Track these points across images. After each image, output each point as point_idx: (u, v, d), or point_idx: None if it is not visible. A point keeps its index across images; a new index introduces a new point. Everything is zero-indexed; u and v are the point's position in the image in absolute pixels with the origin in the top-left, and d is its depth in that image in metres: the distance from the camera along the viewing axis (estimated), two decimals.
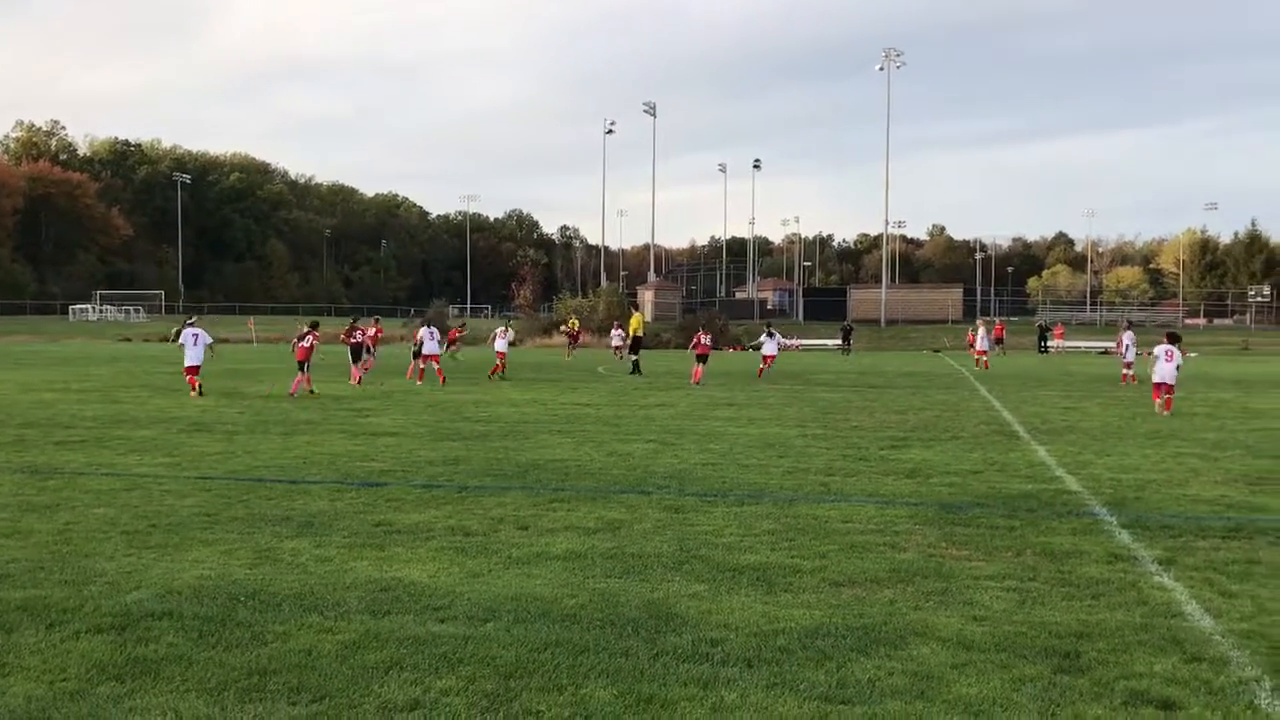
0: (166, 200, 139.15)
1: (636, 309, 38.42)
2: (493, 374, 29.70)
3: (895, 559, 7.39)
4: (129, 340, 72.31)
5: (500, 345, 31.66)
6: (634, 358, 33.90)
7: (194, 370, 22.18)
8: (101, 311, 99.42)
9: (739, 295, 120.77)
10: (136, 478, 10.70)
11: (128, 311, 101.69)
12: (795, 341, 72.16)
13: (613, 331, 44.88)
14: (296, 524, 8.42)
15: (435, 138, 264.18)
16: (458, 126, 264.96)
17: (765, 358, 34.32)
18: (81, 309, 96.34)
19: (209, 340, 22.94)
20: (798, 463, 12.17)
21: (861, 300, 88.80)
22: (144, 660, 5.23)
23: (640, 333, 34.32)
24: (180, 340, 23.20)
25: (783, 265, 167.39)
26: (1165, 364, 20.17)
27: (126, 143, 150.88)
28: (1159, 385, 20.18)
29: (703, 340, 32.71)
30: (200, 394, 21.40)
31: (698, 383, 28.35)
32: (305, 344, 22.98)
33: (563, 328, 34.82)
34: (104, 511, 8.89)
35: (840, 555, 7.49)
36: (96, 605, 6.11)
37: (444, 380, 26.21)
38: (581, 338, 38.58)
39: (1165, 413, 19.50)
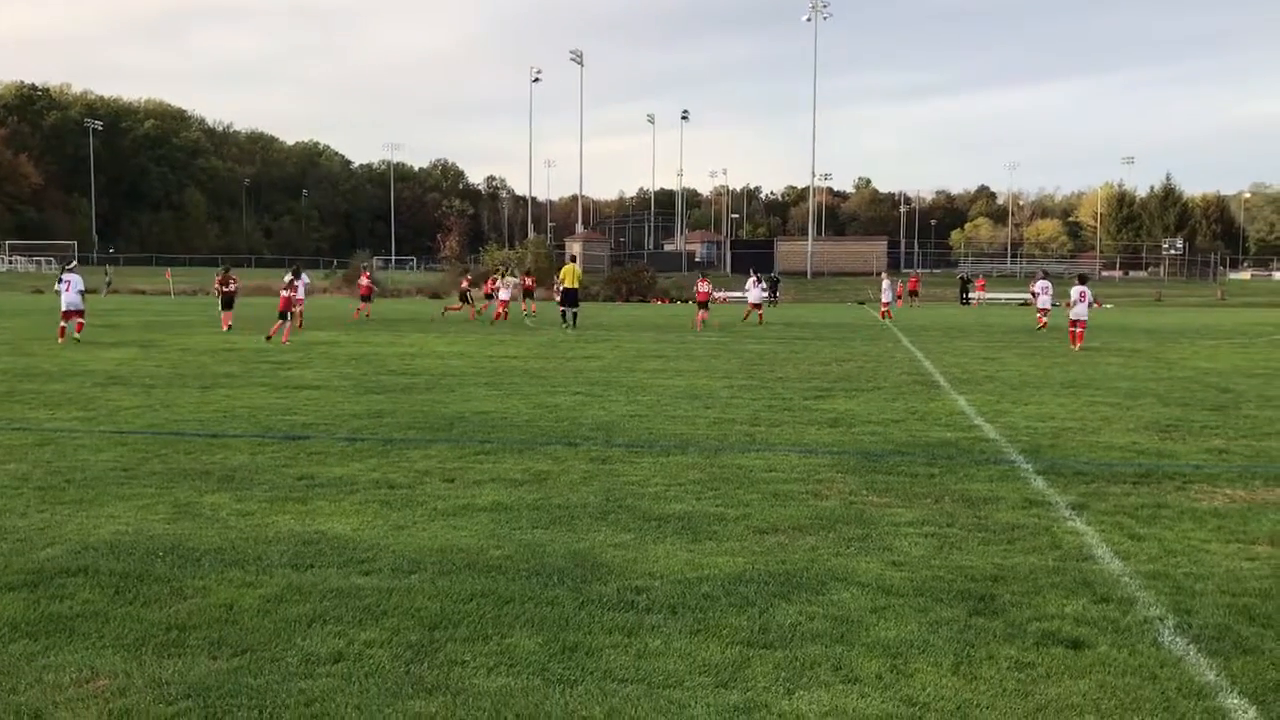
0: (78, 148, 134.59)
1: (573, 260, 37.95)
2: (496, 320, 32.48)
3: (818, 507, 7.50)
4: (41, 292, 70.10)
5: (504, 295, 33.54)
6: (569, 309, 33.44)
7: (69, 315, 23.31)
8: (11, 263, 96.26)
9: (668, 247, 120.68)
10: (49, 433, 10.43)
11: (39, 263, 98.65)
12: (723, 294, 72.45)
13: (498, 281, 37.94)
14: (216, 478, 8.29)
15: (357, 85, 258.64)
16: (380, 74, 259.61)
17: (754, 306, 34.85)
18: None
19: (82, 287, 24.02)
20: (724, 413, 12.26)
21: (788, 252, 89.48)
22: (58, 617, 5.13)
23: (574, 285, 33.76)
24: (58, 287, 24.39)
25: (711, 217, 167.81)
26: (1080, 304, 23.83)
27: (34, 87, 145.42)
28: (1074, 322, 23.79)
29: (701, 288, 33.88)
30: (74, 340, 22.38)
31: (699, 329, 31.06)
32: (286, 294, 24.33)
33: (513, 279, 34.49)
34: (15, 467, 8.66)
35: (764, 503, 7.58)
36: (8, 563, 5.96)
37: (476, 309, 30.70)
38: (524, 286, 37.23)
39: (1076, 345, 22.90)
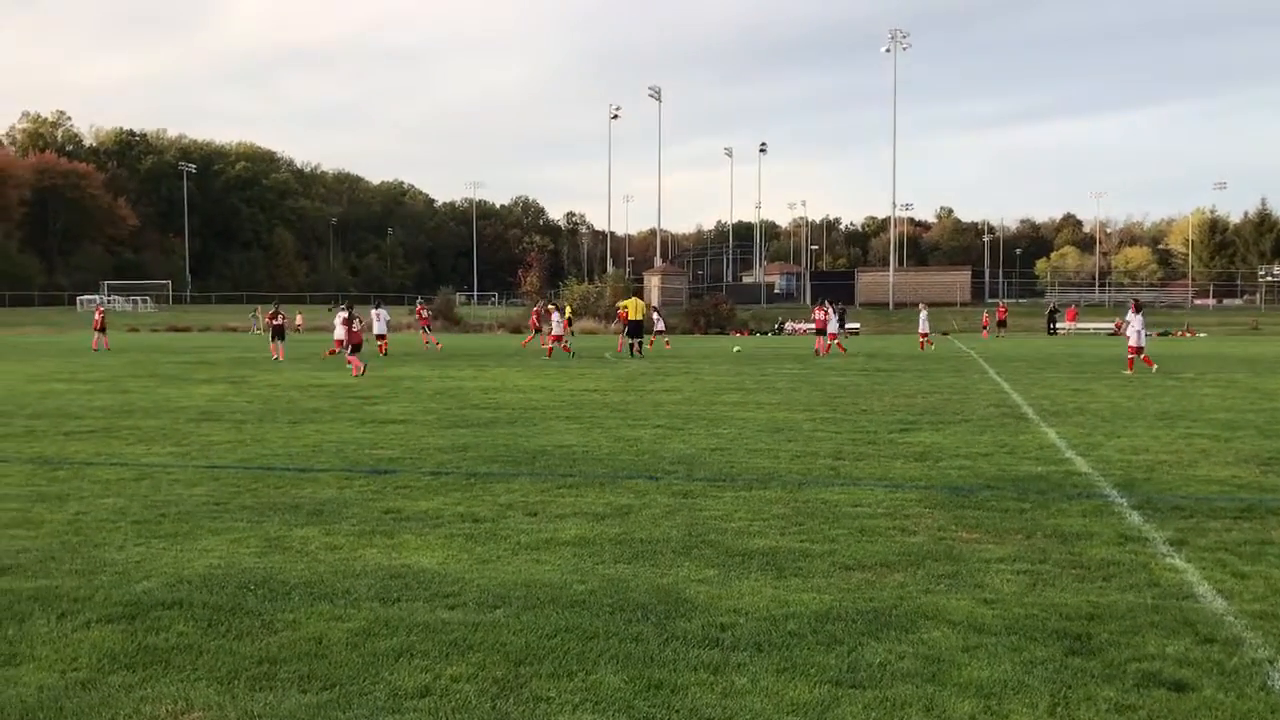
0: (172, 190, 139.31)
1: (638, 293, 38.63)
2: (551, 352, 33.13)
3: (905, 542, 7.37)
4: (137, 330, 72.48)
5: (556, 329, 34.11)
6: (630, 340, 34.41)
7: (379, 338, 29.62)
8: (109, 302, 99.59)
9: (746, 280, 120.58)
10: (145, 467, 10.73)
11: (135, 302, 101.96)
12: (802, 325, 72.08)
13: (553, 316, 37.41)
14: (305, 512, 8.44)
15: (440, 125, 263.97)
16: (463, 113, 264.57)
17: (831, 335, 35.34)
18: (89, 300, 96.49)
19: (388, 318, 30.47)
20: (806, 447, 12.16)
21: (870, 283, 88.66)
22: (154, 649, 5.24)
23: (639, 316, 34.67)
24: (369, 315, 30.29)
25: (789, 249, 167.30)
26: (1134, 328, 25.04)
27: (132, 133, 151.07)
28: (1133, 349, 24.90)
29: (818, 315, 34.63)
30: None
31: (823, 354, 33.44)
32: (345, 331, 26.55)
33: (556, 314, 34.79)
34: (113, 501, 8.91)
35: (850, 539, 7.48)
36: (107, 595, 6.13)
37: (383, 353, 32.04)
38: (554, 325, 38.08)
39: (1129, 371, 23.99)
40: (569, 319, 59.38)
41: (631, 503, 8.81)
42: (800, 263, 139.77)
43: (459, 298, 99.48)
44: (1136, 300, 27.43)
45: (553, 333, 33.91)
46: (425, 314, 43.79)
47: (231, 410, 16.40)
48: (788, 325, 72.79)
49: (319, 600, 6.02)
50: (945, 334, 61.68)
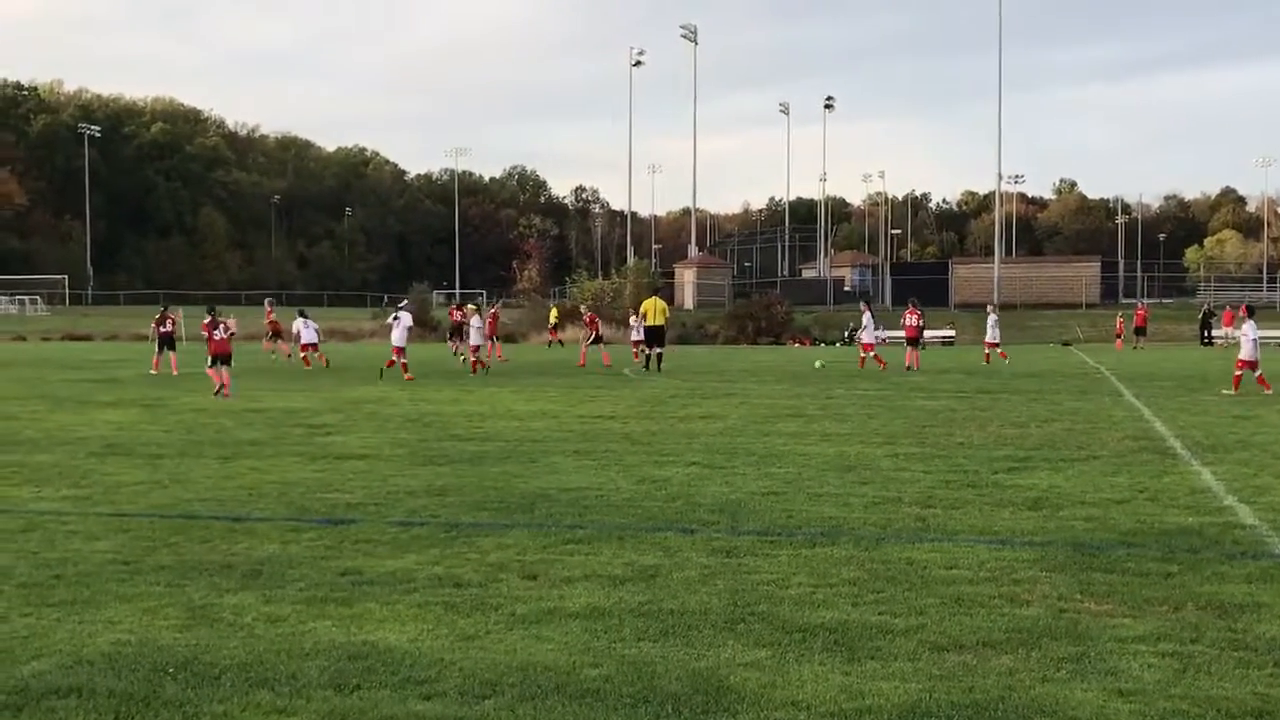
0: (70, 159, 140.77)
1: (657, 292, 39.31)
2: (476, 367, 33.47)
3: (1015, 615, 7.34)
4: (24, 339, 73.13)
5: (474, 338, 34.50)
6: (652, 351, 35.34)
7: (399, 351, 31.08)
8: None
9: (807, 273, 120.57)
10: (34, 516, 10.82)
11: (22, 303, 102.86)
12: (883, 333, 72.06)
13: (632, 320, 42.64)
14: (240, 573, 8.48)
15: (413, 75, 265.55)
16: (442, 59, 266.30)
17: (864, 346, 35.61)
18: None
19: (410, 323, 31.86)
20: (886, 490, 12.14)
21: (968, 278, 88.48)
22: None
23: (659, 322, 35.13)
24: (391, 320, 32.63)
25: (864, 234, 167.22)
26: (1249, 338, 25.45)
27: (19, 86, 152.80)
28: (1244, 363, 25.19)
29: (908, 320, 35.32)
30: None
31: (914, 368, 34.59)
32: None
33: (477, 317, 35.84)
34: None
35: (943, 611, 7.45)
36: None
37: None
38: (595, 329, 40.35)
39: (1232, 391, 24.62)
40: (554, 325, 62.20)
41: (659, 563, 8.81)
42: (878, 252, 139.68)
43: (436, 297, 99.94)
44: (1249, 305, 28.46)
45: (472, 342, 34.38)
46: (499, 314, 44.06)
47: (145, 442, 16.51)
48: (862, 332, 72.83)
49: (257, 688, 6.04)
50: (1067, 344, 61.48)
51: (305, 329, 37.48)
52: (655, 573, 8.50)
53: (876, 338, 69.74)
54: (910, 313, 38.69)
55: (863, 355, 36.62)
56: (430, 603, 7.69)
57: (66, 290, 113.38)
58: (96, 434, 17.52)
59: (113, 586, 8.13)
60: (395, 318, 32.44)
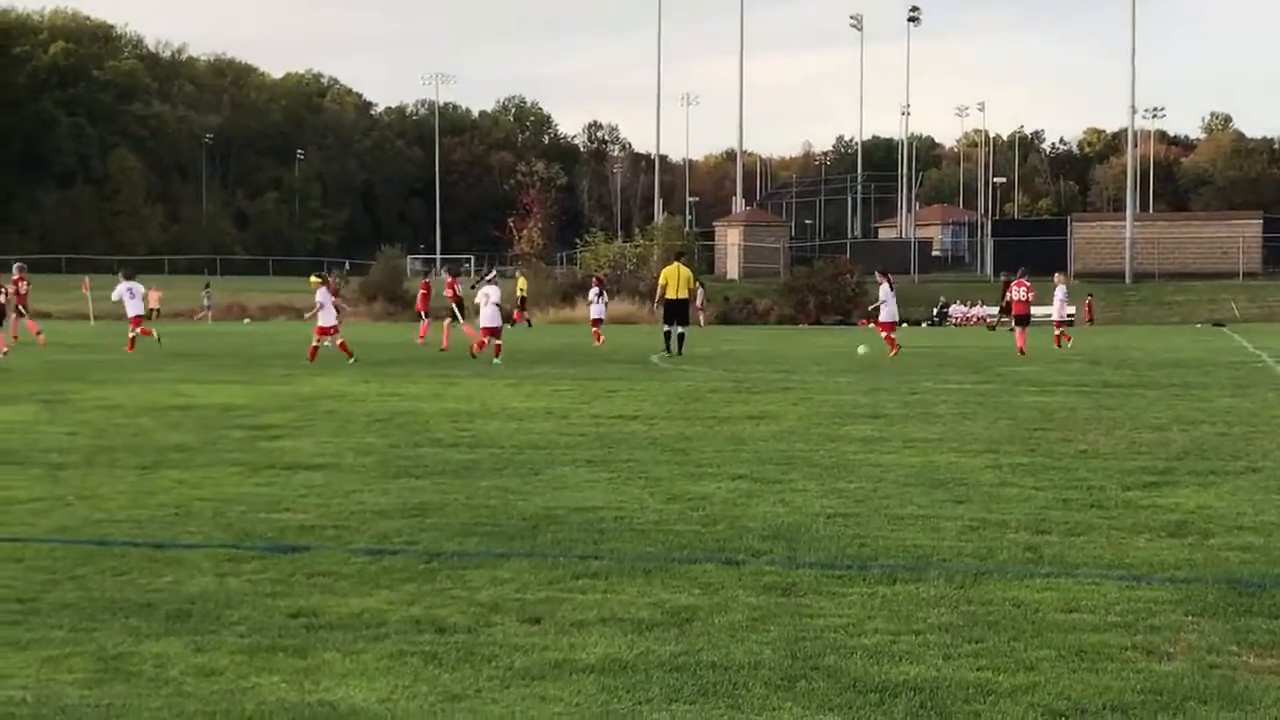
0: None
1: (680, 256, 40.36)
2: (477, 351, 34.72)
3: (1153, 672, 7.31)
4: None
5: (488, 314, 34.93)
6: (668, 329, 36.53)
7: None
8: None
9: (884, 233, 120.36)
10: None
11: None
12: (979, 310, 71.96)
13: (591, 292, 47.97)
14: (164, 614, 8.50)
15: None
16: None
17: (881, 325, 36.66)
18: None
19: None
20: (987, 511, 12.10)
21: (1092, 240, 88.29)
22: None
23: (683, 294, 35.91)
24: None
25: (958, 183, 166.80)
26: None
27: None
28: None
29: (1016, 294, 36.25)
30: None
31: (1025, 351, 36.44)
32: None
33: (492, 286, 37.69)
34: None
35: (1060, 666, 7.42)
36: None
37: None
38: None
39: None
40: (522, 297, 64.37)
41: (696, 603, 8.79)
42: (975, 206, 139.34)
43: (411, 264, 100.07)
44: None
45: (319, 324, 34.28)
46: (459, 287, 45.08)
47: (43, 447, 16.55)
48: (953, 309, 72.76)
49: None
50: (1219, 324, 61.22)
51: (130, 298, 38.63)
52: (691, 616, 8.48)
53: (967, 314, 69.81)
54: (1019, 284, 39.61)
55: (888, 336, 37.73)
56: (406, 653, 7.68)
57: None
58: None
59: (3, 630, 8.13)
60: (484, 293, 34.53)
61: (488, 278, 36.91)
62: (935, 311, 72.26)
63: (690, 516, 11.88)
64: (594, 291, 49.93)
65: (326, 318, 33.92)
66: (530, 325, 65.06)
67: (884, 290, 38.62)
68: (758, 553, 10.32)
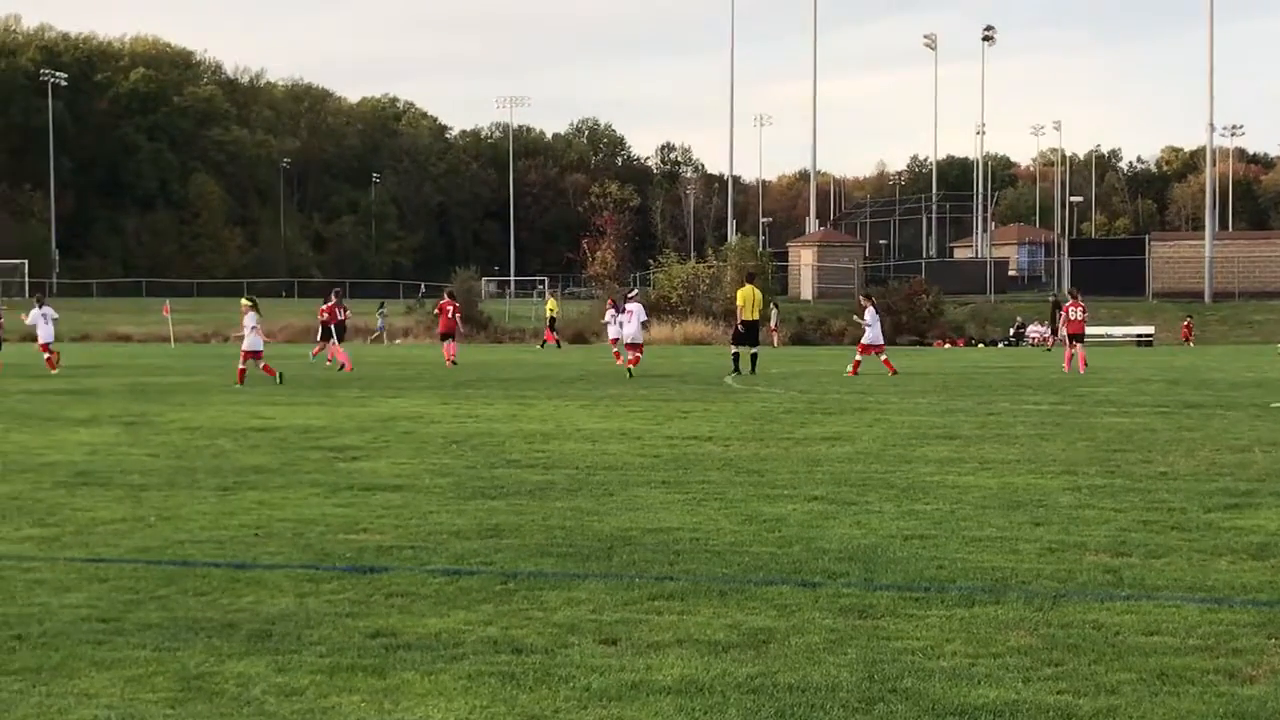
0: (31, 115, 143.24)
1: (753, 278, 40.98)
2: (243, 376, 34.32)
3: (1235, 696, 7.24)
4: None
5: (621, 331, 38.61)
6: (738, 350, 37.04)
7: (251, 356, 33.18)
8: None
9: (960, 253, 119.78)
10: None
11: None
12: (1040, 330, 71.35)
13: (609, 313, 49.66)
14: (245, 634, 8.56)
15: (455, 5, 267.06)
16: None
17: (865, 349, 37.42)
18: None
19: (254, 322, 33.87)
20: (1066, 533, 12.01)
21: (1169, 259, 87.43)
22: None
23: (753, 316, 36.55)
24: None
25: (1034, 202, 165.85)
26: None
27: None
28: None
29: (1071, 313, 37.00)
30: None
31: (1083, 364, 37.29)
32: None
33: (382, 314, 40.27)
34: None
35: (1141, 689, 7.36)
36: None
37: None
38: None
39: None
40: (551, 317, 66.59)
41: (772, 625, 8.78)
42: (1052, 225, 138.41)
43: (486, 285, 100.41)
44: None
45: (245, 347, 34.41)
46: (452, 311, 47.11)
47: (125, 469, 16.74)
48: (1030, 329, 72.15)
49: None
50: None
51: (42, 323, 40.24)
52: (768, 638, 8.47)
53: (1044, 335, 69.46)
54: (1074, 305, 40.44)
55: (858, 359, 38.17)
56: (483, 673, 7.71)
57: (26, 279, 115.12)
58: (66, 459, 17.76)
59: (88, 650, 8.22)
60: (625, 309, 36.61)
61: (631, 294, 39.05)
62: (1012, 331, 71.71)
63: (766, 538, 11.87)
64: (610, 313, 50.33)
65: (252, 342, 34.25)
66: (560, 346, 65.63)
67: (869, 314, 39.14)
68: (834, 574, 10.30)
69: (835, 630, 8.64)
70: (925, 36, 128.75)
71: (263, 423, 22.67)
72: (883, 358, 38.17)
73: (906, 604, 9.36)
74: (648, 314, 39.41)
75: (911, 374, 38.67)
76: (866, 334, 38.79)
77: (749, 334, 37.25)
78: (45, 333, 40.07)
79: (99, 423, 22.92)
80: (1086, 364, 38.05)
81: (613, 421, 22.90)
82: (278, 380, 32.77)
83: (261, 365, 33.70)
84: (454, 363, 43.52)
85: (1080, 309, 40.20)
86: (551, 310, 70.55)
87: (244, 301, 36.26)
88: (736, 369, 36.19)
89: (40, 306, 41.00)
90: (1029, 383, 33.71)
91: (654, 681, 7.54)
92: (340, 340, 42.68)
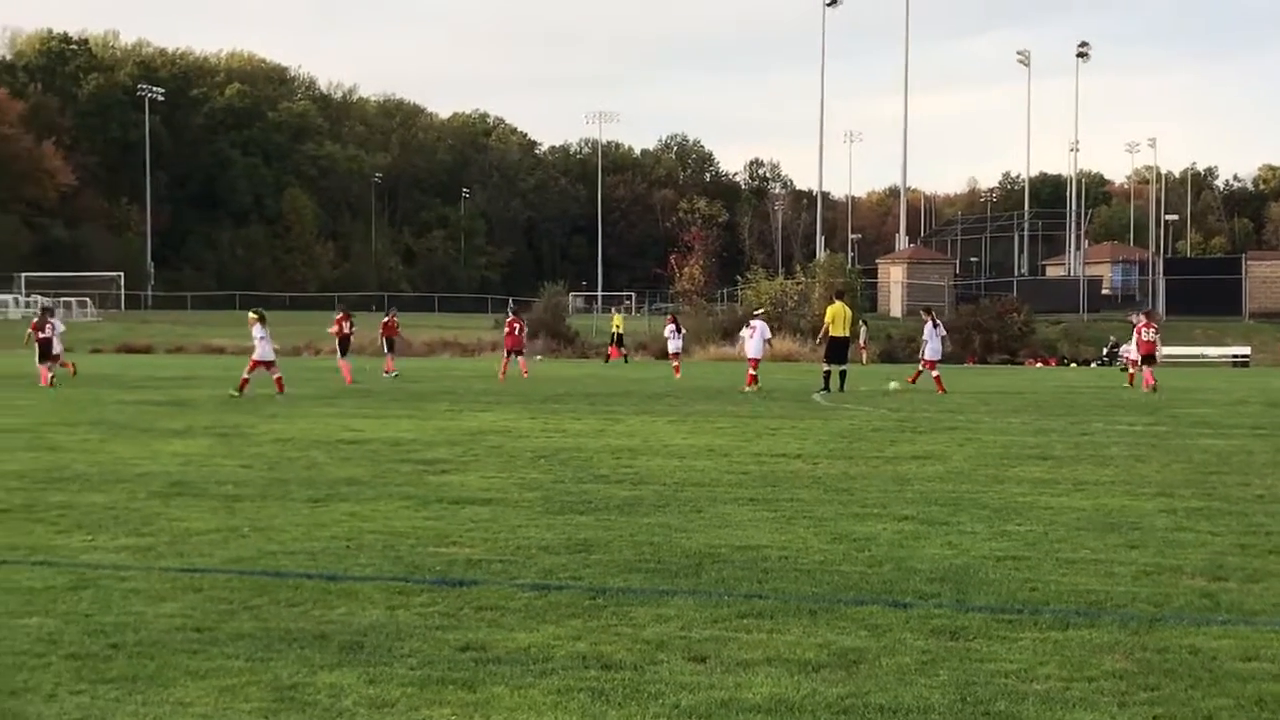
0: (128, 129, 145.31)
1: (842, 295, 41.15)
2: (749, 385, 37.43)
3: None
4: (70, 350, 75.46)
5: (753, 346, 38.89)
6: (829, 368, 37.08)
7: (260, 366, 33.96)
8: (29, 303, 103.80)
9: (1052, 271, 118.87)
10: (85, 570, 11.10)
11: (69, 305, 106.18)
12: (1128, 350, 70.53)
13: (668, 328, 55.32)
14: (337, 645, 8.62)
15: (544, 21, 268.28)
16: (580, 1, 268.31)
17: (926, 363, 38.72)
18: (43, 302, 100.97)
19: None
20: (1161, 556, 11.87)
21: (1267, 278, 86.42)
22: None
23: (844, 333, 37.35)
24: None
25: (1129, 220, 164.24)
26: None
27: (66, 38, 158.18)
28: None
29: (1144, 334, 37.70)
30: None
31: (1151, 386, 37.41)
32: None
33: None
34: (38, 623, 9.25)
35: (1239, 715, 7.26)
36: None
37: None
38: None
39: None
40: (617, 334, 68.94)
41: (863, 645, 8.73)
42: (1147, 244, 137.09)
43: (573, 300, 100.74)
44: None
45: (255, 357, 34.94)
46: (519, 328, 49.00)
47: (219, 479, 16.89)
48: (1124, 349, 71.31)
49: None
50: None
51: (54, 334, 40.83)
52: (858, 658, 8.42)
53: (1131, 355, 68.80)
54: (1146, 325, 40.63)
55: (919, 371, 39.22)
56: (573, 688, 7.71)
57: (122, 290, 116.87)
58: (161, 469, 17.94)
59: (182, 659, 8.31)
60: (751, 325, 38.74)
61: (756, 312, 41.18)
62: (1105, 351, 70.99)
63: (855, 557, 11.81)
64: (670, 328, 54.43)
65: (263, 352, 34.74)
66: (627, 360, 66.50)
67: (927, 329, 39.45)
68: (925, 595, 10.23)
69: (927, 651, 8.59)
70: (1018, 53, 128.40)
71: (354, 435, 22.84)
72: (935, 373, 38.31)
73: (999, 626, 9.28)
74: (772, 332, 40.65)
75: (1003, 393, 38.42)
76: (925, 348, 39.19)
77: (840, 351, 37.33)
78: (56, 344, 40.85)
79: (193, 434, 23.17)
80: (1153, 386, 37.97)
81: (700, 437, 22.89)
82: (279, 392, 33.43)
83: (275, 377, 34.19)
84: (518, 375, 45.14)
85: (1152, 329, 40.41)
86: (617, 326, 71.54)
87: (250, 314, 37.01)
88: (826, 386, 36.12)
89: (51, 315, 41.96)
90: (1123, 403, 33.38)
91: (743, 700, 7.52)
92: (344, 354, 43.50)
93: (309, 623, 9.24)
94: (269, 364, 34.51)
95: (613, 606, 9.79)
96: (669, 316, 58.83)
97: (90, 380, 42.43)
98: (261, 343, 34.76)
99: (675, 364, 51.55)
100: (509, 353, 47.72)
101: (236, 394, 32.92)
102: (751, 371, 37.78)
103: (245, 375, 34.04)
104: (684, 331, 56.34)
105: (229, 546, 12.23)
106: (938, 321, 40.00)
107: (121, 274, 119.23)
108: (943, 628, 9.22)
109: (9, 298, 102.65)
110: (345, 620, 9.33)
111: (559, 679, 7.92)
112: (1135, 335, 41.83)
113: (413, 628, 9.12)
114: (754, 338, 38.54)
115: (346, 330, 43.43)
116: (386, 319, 50.78)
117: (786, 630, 9.12)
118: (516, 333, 47.90)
